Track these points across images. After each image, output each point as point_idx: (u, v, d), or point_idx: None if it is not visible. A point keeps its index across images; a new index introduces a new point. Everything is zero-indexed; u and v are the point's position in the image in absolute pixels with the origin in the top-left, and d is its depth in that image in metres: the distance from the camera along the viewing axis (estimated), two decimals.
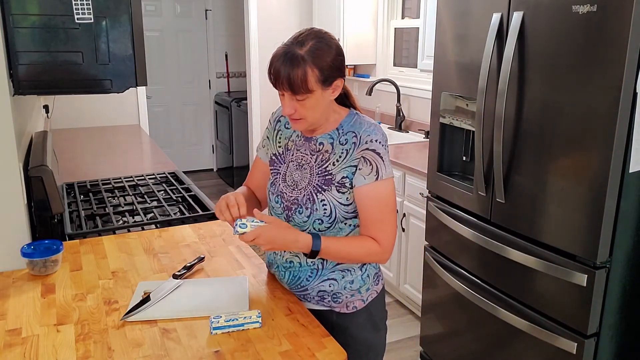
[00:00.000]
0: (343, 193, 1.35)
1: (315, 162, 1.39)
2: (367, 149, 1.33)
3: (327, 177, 1.36)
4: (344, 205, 1.36)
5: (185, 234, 1.90)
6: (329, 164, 1.37)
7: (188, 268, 1.57)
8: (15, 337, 1.25)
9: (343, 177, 1.35)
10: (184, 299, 1.41)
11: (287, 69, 1.24)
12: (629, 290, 1.77)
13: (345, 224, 1.39)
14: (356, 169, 1.34)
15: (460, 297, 2.24)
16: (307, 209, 1.38)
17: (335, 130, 1.38)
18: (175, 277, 1.51)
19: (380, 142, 1.33)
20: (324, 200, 1.36)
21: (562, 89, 1.70)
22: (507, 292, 2.01)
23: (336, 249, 1.34)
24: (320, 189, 1.37)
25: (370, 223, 1.35)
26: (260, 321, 1.29)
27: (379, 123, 4.05)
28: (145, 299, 1.39)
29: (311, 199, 1.37)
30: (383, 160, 1.33)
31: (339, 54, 1.31)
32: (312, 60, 1.25)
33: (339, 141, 1.37)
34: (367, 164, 1.32)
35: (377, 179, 1.32)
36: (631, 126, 1.58)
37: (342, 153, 1.36)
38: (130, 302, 1.40)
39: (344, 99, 1.45)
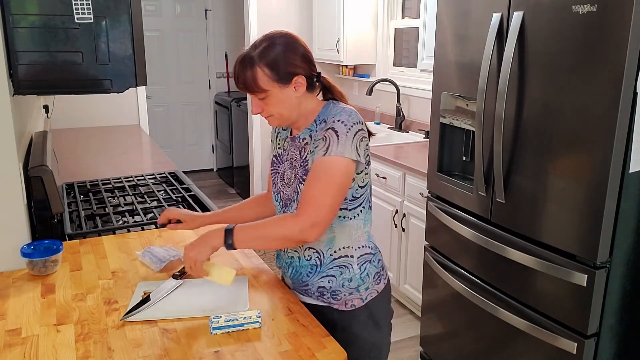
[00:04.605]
0: None
1: (300, 157, 1.42)
2: (329, 128, 1.32)
3: (306, 168, 1.39)
4: None
5: (186, 234, 1.90)
6: (307, 153, 1.40)
7: None
8: (15, 337, 1.25)
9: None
10: (184, 299, 1.41)
11: (240, 72, 1.32)
12: (629, 290, 1.77)
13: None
14: (316, 148, 1.35)
15: (460, 297, 2.24)
16: (294, 201, 1.41)
17: (314, 122, 1.41)
18: (175, 277, 1.51)
19: (342, 122, 1.32)
20: None
21: (562, 89, 1.70)
22: (507, 292, 2.01)
23: (248, 233, 1.34)
24: (301, 180, 1.39)
25: (303, 195, 1.33)
26: (260, 321, 1.29)
27: (378, 123, 4.06)
28: (145, 299, 1.39)
29: (296, 191, 1.40)
30: (338, 139, 1.30)
31: (293, 52, 1.33)
32: (261, 61, 1.30)
33: (315, 130, 1.39)
34: (323, 140, 1.32)
35: (325, 154, 1.31)
36: (631, 126, 1.58)
37: (314, 140, 1.38)
38: (130, 302, 1.40)
39: (327, 94, 1.46)
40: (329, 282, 1.42)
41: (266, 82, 1.32)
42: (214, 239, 1.36)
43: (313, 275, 1.43)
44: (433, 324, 2.49)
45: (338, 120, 1.32)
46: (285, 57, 1.32)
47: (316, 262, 1.43)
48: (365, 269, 1.44)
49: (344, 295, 1.43)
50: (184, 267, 1.57)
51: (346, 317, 1.44)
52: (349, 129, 1.31)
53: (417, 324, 2.99)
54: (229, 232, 1.35)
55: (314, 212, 1.29)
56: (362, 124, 1.35)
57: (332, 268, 1.42)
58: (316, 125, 1.40)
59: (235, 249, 1.36)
